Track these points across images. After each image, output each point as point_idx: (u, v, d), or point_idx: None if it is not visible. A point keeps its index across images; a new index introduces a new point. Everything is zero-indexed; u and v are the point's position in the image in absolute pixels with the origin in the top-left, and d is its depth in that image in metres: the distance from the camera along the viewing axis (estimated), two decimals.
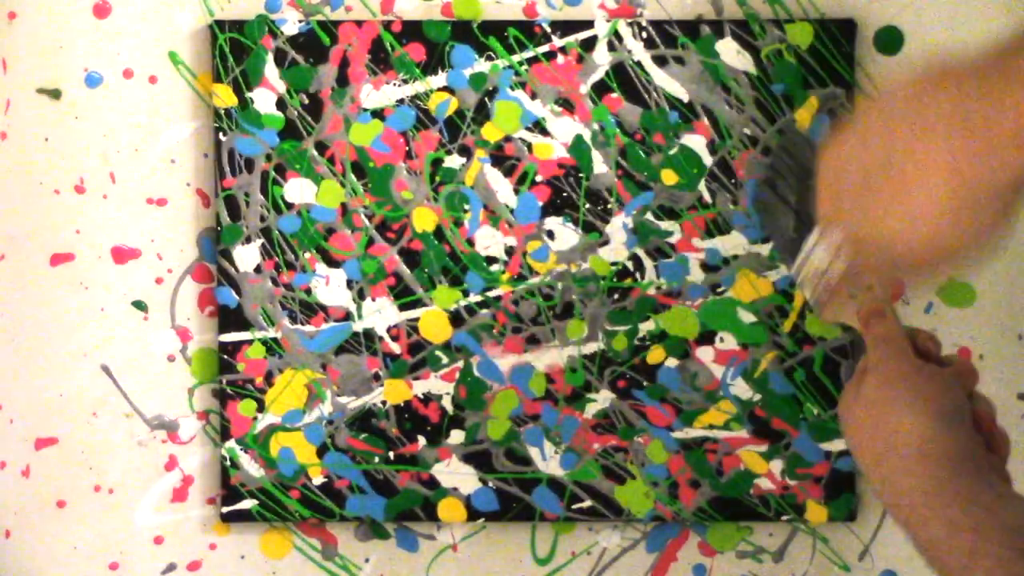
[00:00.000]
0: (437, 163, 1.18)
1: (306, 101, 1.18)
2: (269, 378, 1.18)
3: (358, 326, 1.18)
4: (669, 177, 1.18)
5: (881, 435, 0.86)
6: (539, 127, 1.18)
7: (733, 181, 1.17)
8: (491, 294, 1.18)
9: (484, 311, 1.18)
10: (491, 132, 1.18)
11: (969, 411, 0.87)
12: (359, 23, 1.17)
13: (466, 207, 1.18)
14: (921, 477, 0.84)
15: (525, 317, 1.18)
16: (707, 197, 1.18)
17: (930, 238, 0.81)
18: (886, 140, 0.81)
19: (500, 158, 1.18)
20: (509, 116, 1.18)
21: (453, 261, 1.18)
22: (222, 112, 1.18)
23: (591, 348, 1.18)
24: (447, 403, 1.18)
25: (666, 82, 1.17)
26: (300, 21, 1.18)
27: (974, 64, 0.78)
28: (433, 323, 1.18)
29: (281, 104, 1.18)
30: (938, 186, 0.79)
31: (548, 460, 1.18)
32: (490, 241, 1.18)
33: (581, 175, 1.17)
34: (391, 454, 1.19)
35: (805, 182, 0.97)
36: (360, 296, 1.18)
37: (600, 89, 1.17)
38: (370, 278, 1.18)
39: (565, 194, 1.18)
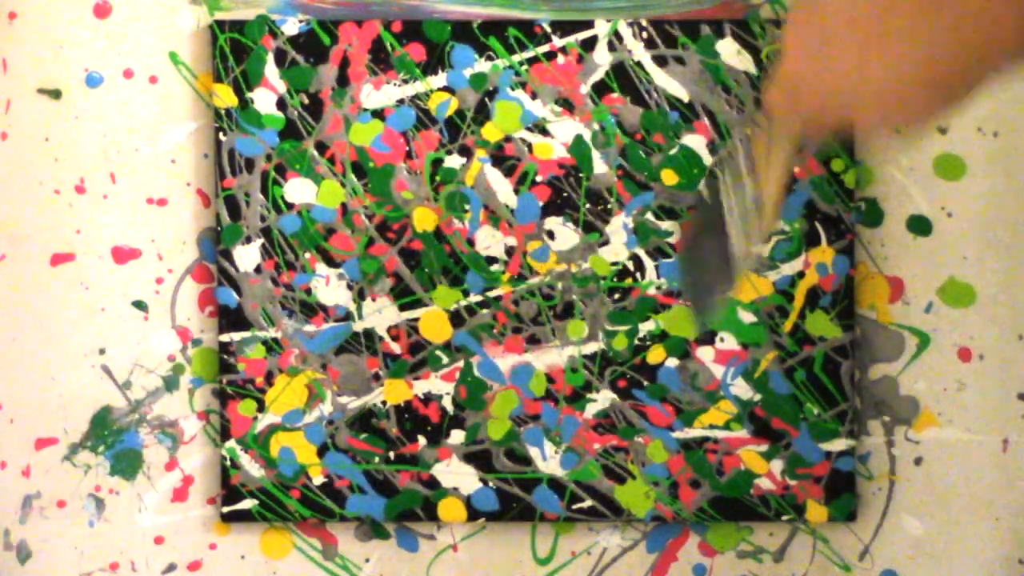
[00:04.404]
0: (437, 163, 1.18)
1: (306, 101, 1.18)
2: (269, 378, 1.18)
3: (358, 326, 1.18)
4: (669, 177, 1.18)
5: None
6: (539, 127, 1.18)
7: None
8: (491, 294, 1.18)
9: (484, 311, 1.18)
10: (491, 132, 1.18)
11: None
12: (359, 23, 1.17)
13: (466, 207, 1.18)
14: None
15: (525, 317, 1.18)
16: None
17: (891, 105, 0.81)
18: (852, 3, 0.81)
19: (500, 158, 1.18)
20: (509, 116, 1.18)
21: (453, 261, 1.18)
22: (222, 112, 1.18)
23: (591, 348, 1.18)
24: (447, 403, 1.18)
25: (666, 82, 1.17)
26: (300, 21, 1.18)
27: None
28: (433, 323, 1.18)
29: (281, 104, 1.18)
30: (905, 56, 0.79)
31: (548, 460, 1.18)
32: (490, 241, 1.18)
33: (581, 175, 1.18)
34: (391, 454, 1.19)
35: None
36: (360, 296, 1.18)
37: (600, 89, 1.17)
38: (370, 278, 1.18)
39: (565, 194, 1.18)
